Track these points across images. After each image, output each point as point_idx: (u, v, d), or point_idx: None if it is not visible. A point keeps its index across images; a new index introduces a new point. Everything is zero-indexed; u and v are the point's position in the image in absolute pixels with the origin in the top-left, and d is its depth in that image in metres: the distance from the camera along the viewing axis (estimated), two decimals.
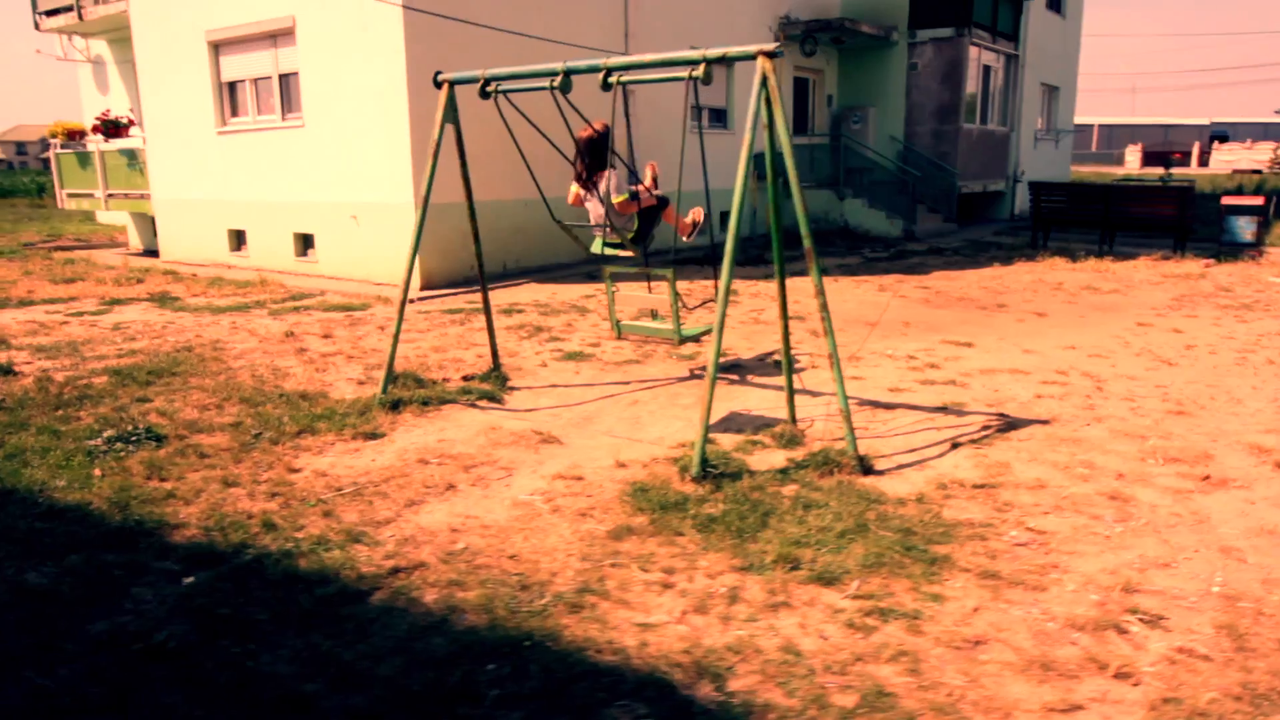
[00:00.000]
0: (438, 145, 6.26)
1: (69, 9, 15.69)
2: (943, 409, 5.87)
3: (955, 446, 5.11)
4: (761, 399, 6.22)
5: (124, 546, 3.80)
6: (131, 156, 15.29)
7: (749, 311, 9.69)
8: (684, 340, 6.31)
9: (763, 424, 5.54)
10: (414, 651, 3.00)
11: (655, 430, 5.53)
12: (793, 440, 5.18)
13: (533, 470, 4.80)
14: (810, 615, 3.24)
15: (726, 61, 4.83)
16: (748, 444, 5.19)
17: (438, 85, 6.17)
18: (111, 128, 15.14)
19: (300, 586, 3.45)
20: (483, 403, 6.18)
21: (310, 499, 4.34)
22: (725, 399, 6.16)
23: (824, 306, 4.80)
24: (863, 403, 6.06)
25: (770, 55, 4.66)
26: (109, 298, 10.64)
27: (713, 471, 4.54)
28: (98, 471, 4.66)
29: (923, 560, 3.63)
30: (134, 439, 5.18)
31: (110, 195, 16.15)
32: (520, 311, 9.62)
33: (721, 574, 3.58)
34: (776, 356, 7.48)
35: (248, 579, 3.51)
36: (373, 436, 5.35)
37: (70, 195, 17.06)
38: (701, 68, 4.92)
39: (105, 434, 5.23)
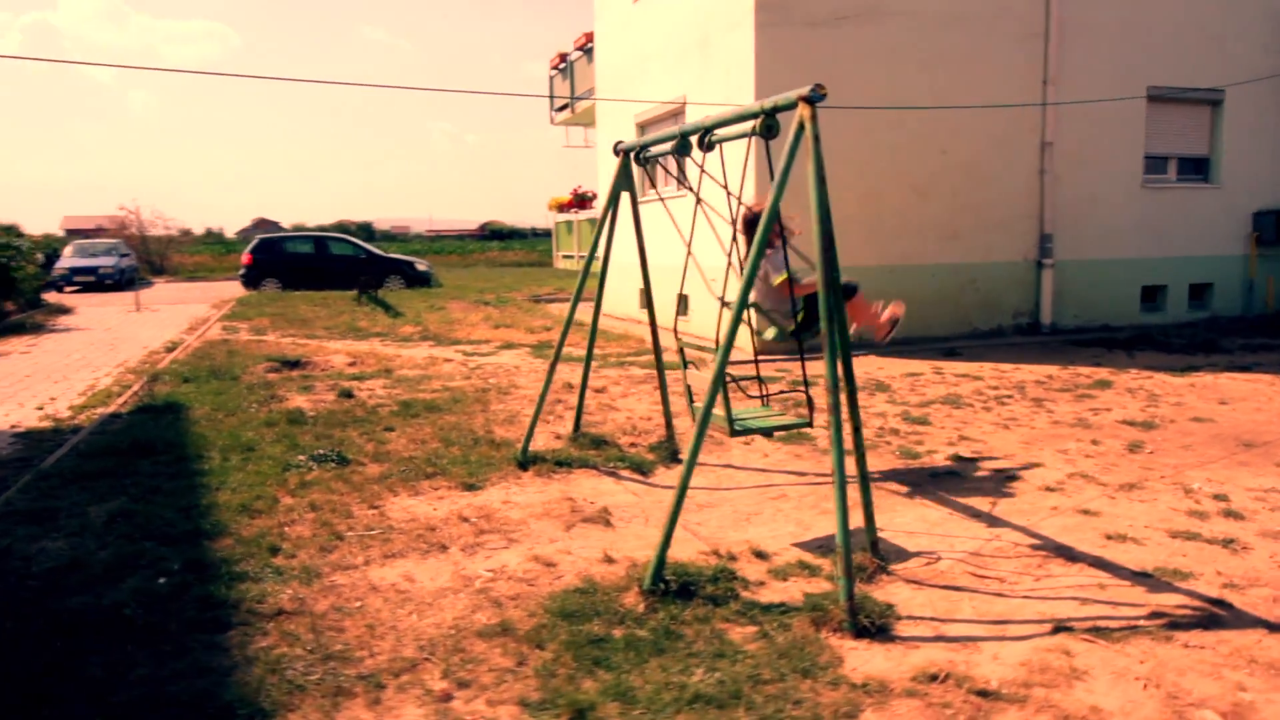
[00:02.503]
0: (607, 212, 6.33)
1: (566, 106, 18.99)
2: (1144, 574, 4.09)
3: (1056, 630, 3.54)
4: (921, 516, 5.00)
5: (170, 539, 4.56)
6: (591, 224, 17.89)
7: (1101, 411, 7.71)
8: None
9: (861, 547, 4.46)
10: (172, 681, 3.13)
11: (752, 532, 4.81)
12: (850, 574, 4.07)
13: (531, 547, 4.55)
14: None
15: (771, 112, 4.11)
16: (794, 566, 4.24)
17: (616, 154, 6.23)
18: (580, 200, 17.87)
19: (195, 604, 3.81)
20: (625, 472, 5.99)
21: (332, 534, 4.71)
22: (882, 509, 5.06)
23: None
24: (1026, 545, 4.50)
25: (809, 101, 3.84)
26: (508, 342, 12.56)
27: (667, 589, 3.83)
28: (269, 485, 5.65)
29: None
30: (325, 460, 6.14)
31: (581, 257, 19.06)
32: (814, 384, 8.96)
33: (504, 704, 3.04)
34: (1027, 465, 5.91)
35: (188, 585, 3.98)
36: (470, 488, 5.56)
37: (562, 256, 20.52)
38: (759, 121, 4.26)
39: (313, 452, 6.29)
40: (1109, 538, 4.59)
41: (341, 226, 72.34)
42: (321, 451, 6.25)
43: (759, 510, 5.21)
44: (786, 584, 4.07)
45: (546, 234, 31.07)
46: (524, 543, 4.62)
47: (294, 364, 10.79)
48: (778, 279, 5.71)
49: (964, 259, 12.14)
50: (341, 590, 4.02)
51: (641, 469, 6.06)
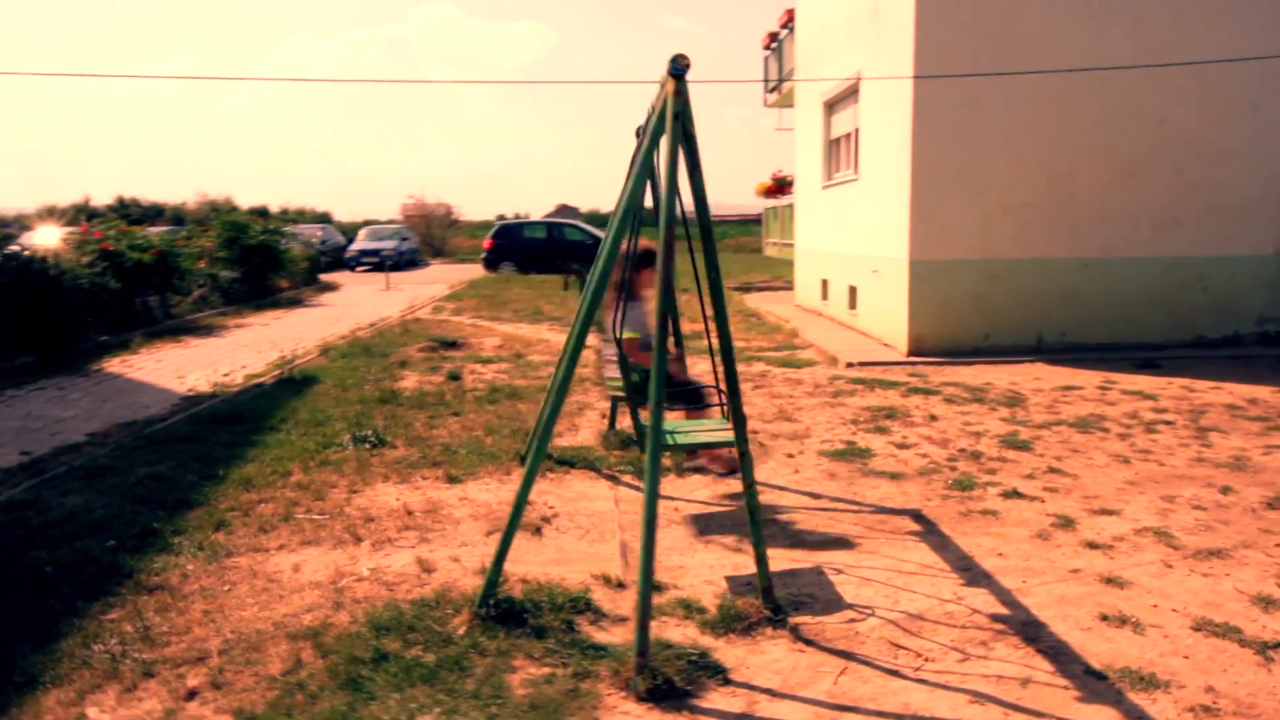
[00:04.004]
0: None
1: (775, 89, 18.29)
2: (1097, 675, 3.13)
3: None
4: (898, 561, 4.23)
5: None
6: (790, 209, 17.14)
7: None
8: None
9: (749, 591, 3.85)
10: None
11: (676, 560, 4.34)
12: (643, 622, 3.40)
13: (434, 549, 4.40)
14: None
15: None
16: (675, 604, 3.74)
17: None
18: (779, 185, 17.20)
19: (102, 569, 4.10)
20: (630, 478, 5.65)
21: (285, 516, 4.88)
22: (863, 549, 4.37)
23: None
24: (987, 614, 3.62)
25: (672, 75, 3.30)
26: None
27: (494, 612, 3.52)
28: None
29: None
30: (361, 441, 6.40)
31: (783, 243, 18.37)
32: (937, 394, 7.94)
33: (225, 713, 2.95)
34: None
35: (118, 550, 4.30)
36: (453, 480, 5.52)
37: (771, 243, 19.94)
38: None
39: (356, 433, 6.58)
40: (1104, 618, 3.57)
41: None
42: (364, 433, 6.51)
43: (716, 536, 4.65)
44: (624, 620, 3.58)
45: (757, 220, 30.23)
46: (433, 543, 4.49)
47: (451, 344, 11.42)
48: (625, 334, 4.99)
49: (1188, 252, 10.10)
50: (227, 573, 4.14)
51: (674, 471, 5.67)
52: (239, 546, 4.45)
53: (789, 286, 17.62)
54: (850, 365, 9.37)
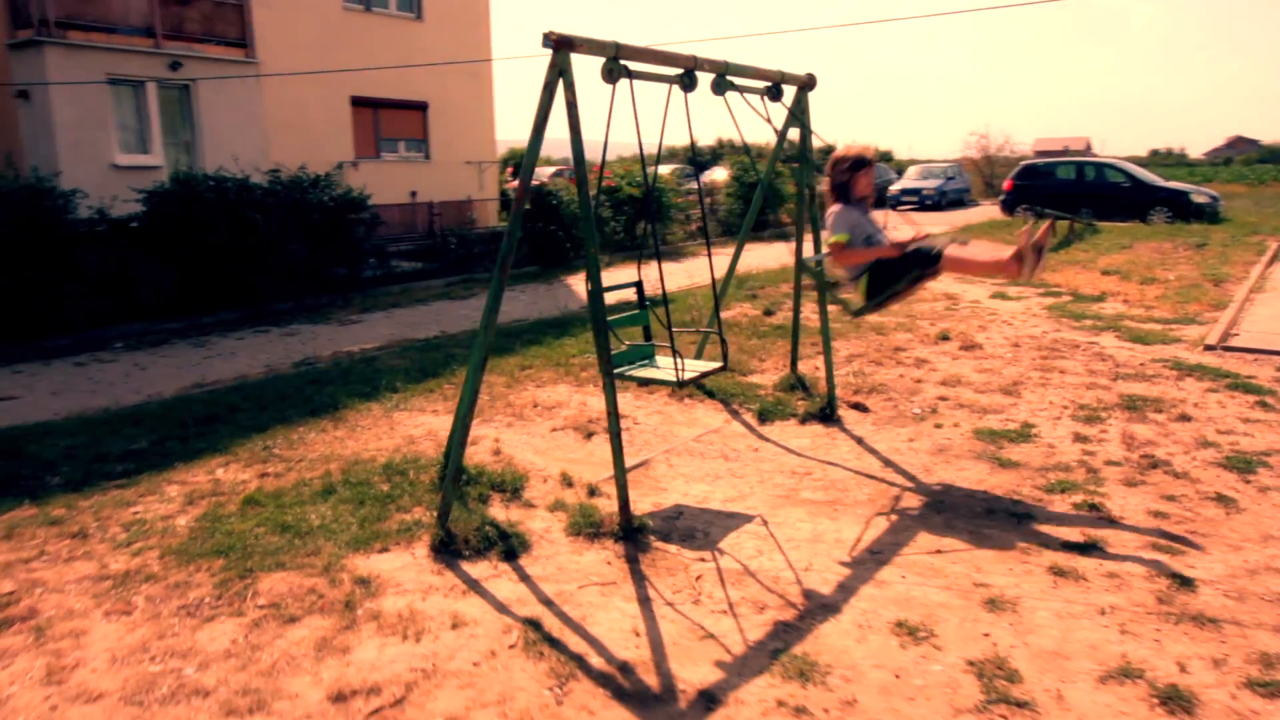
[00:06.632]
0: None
1: None
2: (775, 652, 3.13)
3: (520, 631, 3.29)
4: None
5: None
6: None
7: None
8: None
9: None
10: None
11: (634, 477, 4.92)
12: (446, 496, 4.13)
13: (501, 430, 5.56)
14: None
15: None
16: (573, 501, 4.42)
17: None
18: None
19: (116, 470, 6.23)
20: (747, 415, 6.05)
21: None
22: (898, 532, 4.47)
23: None
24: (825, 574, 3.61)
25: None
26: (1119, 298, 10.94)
27: (451, 472, 4.64)
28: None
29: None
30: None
31: None
32: None
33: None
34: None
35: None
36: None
37: None
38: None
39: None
40: (899, 625, 3.28)
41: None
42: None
43: (702, 472, 4.98)
44: (531, 509, 4.36)
45: None
46: (528, 426, 5.70)
47: (833, 285, 11.91)
48: (832, 238, 4.93)
49: None
50: (379, 421, 5.92)
51: (766, 416, 5.99)
52: (410, 407, 6.22)
53: None
54: (1225, 348, 7.58)
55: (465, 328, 9.45)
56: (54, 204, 9.40)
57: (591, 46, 4.03)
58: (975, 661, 3.02)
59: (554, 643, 3.19)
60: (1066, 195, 22.06)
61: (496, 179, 22.44)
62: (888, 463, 5.13)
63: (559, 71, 3.91)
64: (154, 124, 14.50)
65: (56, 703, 2.87)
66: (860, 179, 5.17)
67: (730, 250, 7.18)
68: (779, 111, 5.72)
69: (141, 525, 4.25)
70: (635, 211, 17.00)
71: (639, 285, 5.25)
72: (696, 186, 19.65)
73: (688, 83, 4.69)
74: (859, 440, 5.54)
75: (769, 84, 5.50)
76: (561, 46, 3.89)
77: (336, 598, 3.51)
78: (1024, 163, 25.21)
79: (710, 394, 6.47)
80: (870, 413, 6.10)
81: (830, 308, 6.28)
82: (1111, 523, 4.19)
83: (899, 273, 4.84)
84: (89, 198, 10.02)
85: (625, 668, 3.04)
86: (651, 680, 2.97)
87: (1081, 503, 4.40)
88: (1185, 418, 5.71)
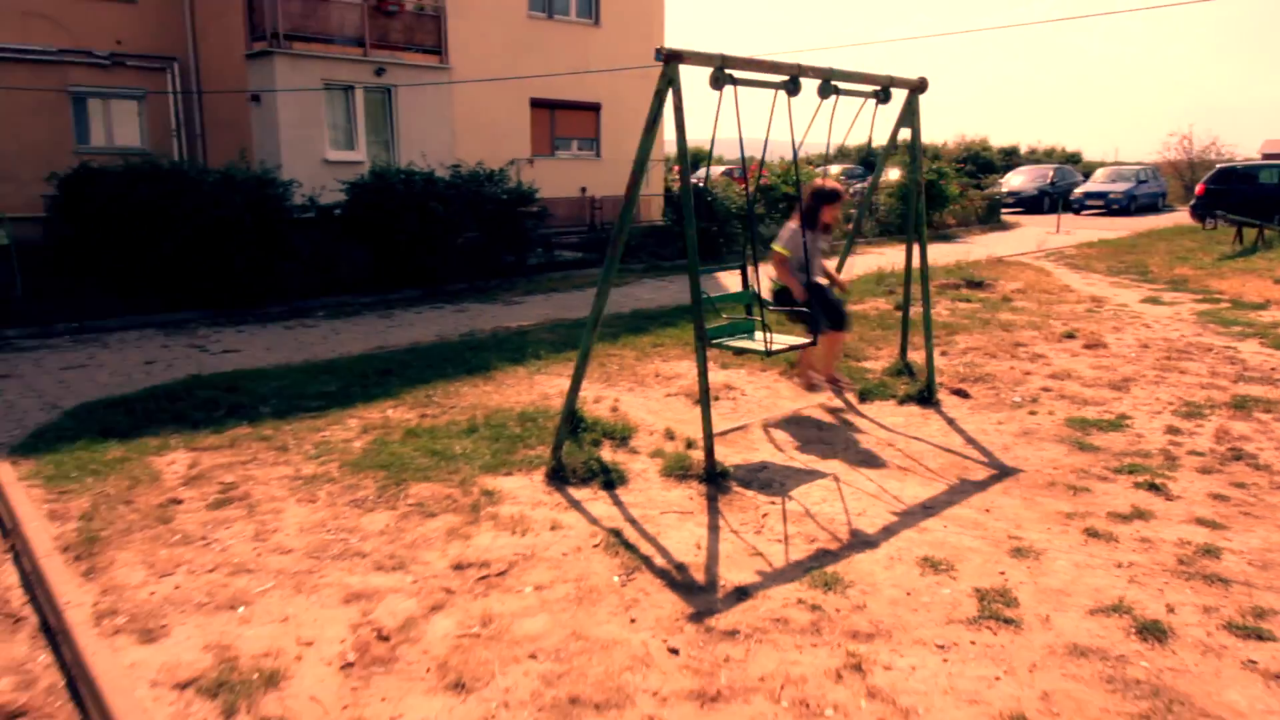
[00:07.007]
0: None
1: None
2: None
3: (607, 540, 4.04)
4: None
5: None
6: None
7: None
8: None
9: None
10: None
11: (721, 432, 5.56)
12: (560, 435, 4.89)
13: (624, 394, 6.33)
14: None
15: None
16: (675, 450, 5.13)
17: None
18: None
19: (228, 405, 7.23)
20: (850, 395, 6.55)
21: (607, 365, 7.35)
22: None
23: None
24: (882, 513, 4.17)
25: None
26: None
27: (571, 424, 5.47)
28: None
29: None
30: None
31: None
32: None
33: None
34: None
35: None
36: (724, 368, 7.19)
37: None
38: None
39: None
40: (926, 558, 3.79)
41: None
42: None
43: (795, 438, 5.53)
44: (634, 454, 5.10)
45: None
46: (646, 391, 6.46)
47: (977, 284, 12.00)
48: (776, 247, 5.71)
49: None
50: (520, 381, 6.84)
51: (867, 396, 6.46)
52: (550, 371, 7.11)
53: None
54: None
55: (611, 311, 10.33)
56: (276, 192, 11.05)
57: (699, 59, 4.71)
58: (982, 590, 3.49)
59: (629, 547, 3.92)
60: (1268, 201, 20.49)
61: (662, 176, 23.40)
62: (970, 440, 5.51)
63: (668, 81, 4.62)
64: (359, 124, 16.38)
65: (261, 552, 3.89)
66: (825, 210, 6.03)
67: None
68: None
69: (327, 444, 5.33)
70: (790, 209, 17.45)
71: (743, 267, 5.88)
72: (862, 186, 19.80)
73: (792, 89, 5.28)
74: (950, 421, 5.92)
75: (878, 88, 5.97)
76: (671, 60, 4.60)
77: (466, 503, 4.39)
78: (1219, 165, 23.50)
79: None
80: (970, 399, 6.43)
81: (963, 305, 6.67)
82: (1168, 500, 4.44)
83: (795, 309, 5.77)
84: (302, 188, 11.68)
85: (681, 567, 3.72)
86: (700, 577, 3.64)
87: (1144, 482, 4.66)
88: None
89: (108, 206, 10.90)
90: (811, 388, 6.55)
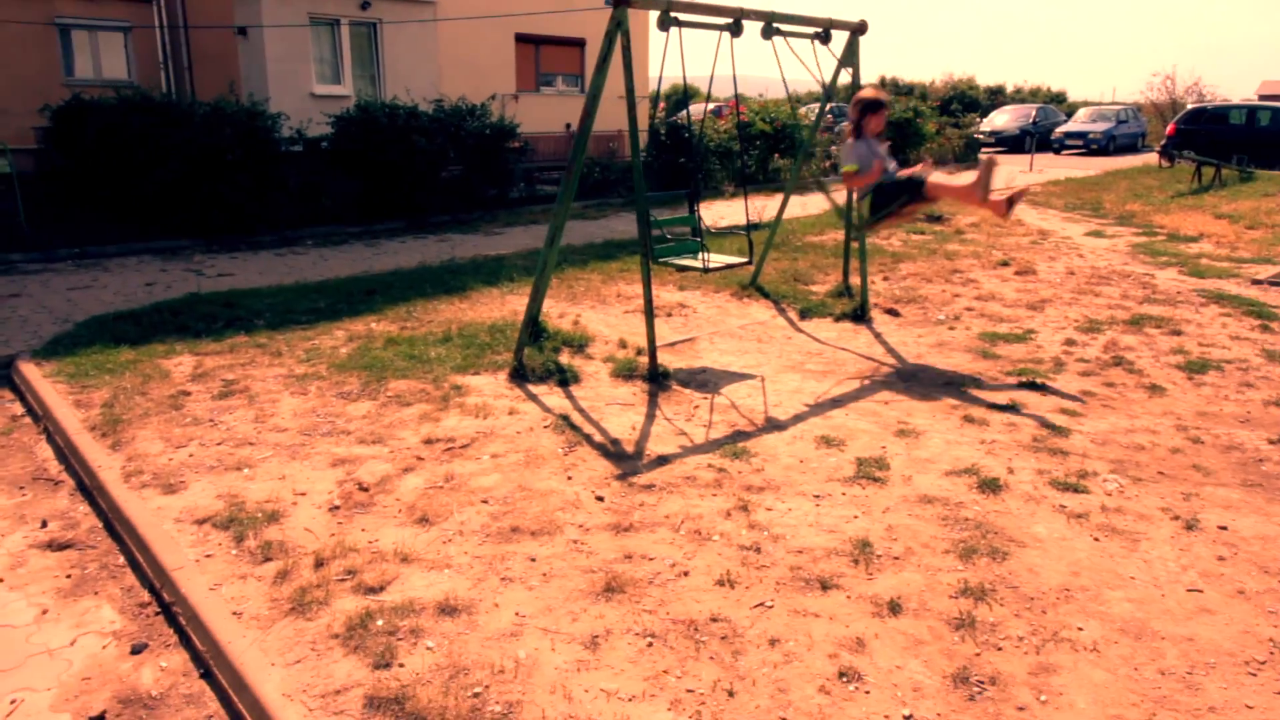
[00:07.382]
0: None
1: None
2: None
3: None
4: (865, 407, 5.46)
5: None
6: None
7: None
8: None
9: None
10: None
11: (665, 339, 6.23)
12: (521, 341, 5.55)
13: (584, 308, 6.98)
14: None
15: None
16: (624, 357, 5.80)
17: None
18: None
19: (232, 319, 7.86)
20: (791, 312, 7.21)
21: (573, 285, 7.98)
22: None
23: None
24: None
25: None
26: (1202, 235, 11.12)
27: (531, 331, 6.12)
28: None
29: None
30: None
31: None
32: None
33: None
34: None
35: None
36: (680, 289, 7.84)
37: None
38: None
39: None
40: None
41: None
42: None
43: (735, 349, 6.21)
44: (589, 359, 5.78)
45: None
46: (607, 309, 7.11)
47: (935, 218, 12.58)
48: (844, 167, 5.90)
49: None
50: (491, 299, 7.49)
51: (806, 314, 7.14)
52: (520, 292, 7.74)
53: None
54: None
55: (586, 241, 10.93)
56: (264, 125, 11.50)
57: (646, 2, 5.25)
58: (862, 459, 4.21)
59: (574, 428, 4.62)
60: (1236, 143, 21.01)
61: (647, 113, 23.69)
62: (890, 350, 6.21)
63: (617, 23, 5.16)
64: (345, 58, 16.68)
65: (261, 430, 4.57)
66: (870, 119, 6.01)
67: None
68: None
69: (316, 350, 5.99)
70: (768, 147, 17.91)
71: (690, 193, 6.48)
72: (821, 124, 20.20)
73: (735, 30, 5.82)
74: (877, 335, 6.61)
75: (819, 29, 6.50)
76: (620, 3, 5.14)
77: (437, 395, 5.07)
78: (1191, 106, 23.92)
79: (765, 294, 7.65)
80: (900, 317, 7.12)
81: (916, 237, 7.25)
82: (1043, 396, 5.16)
83: (893, 195, 5.82)
84: (290, 121, 12.13)
85: (616, 443, 4.43)
86: (630, 449, 4.35)
87: (1027, 382, 5.37)
88: (1177, 332, 6.43)
89: (102, 137, 11.36)
90: (1010, 205, 5.39)
